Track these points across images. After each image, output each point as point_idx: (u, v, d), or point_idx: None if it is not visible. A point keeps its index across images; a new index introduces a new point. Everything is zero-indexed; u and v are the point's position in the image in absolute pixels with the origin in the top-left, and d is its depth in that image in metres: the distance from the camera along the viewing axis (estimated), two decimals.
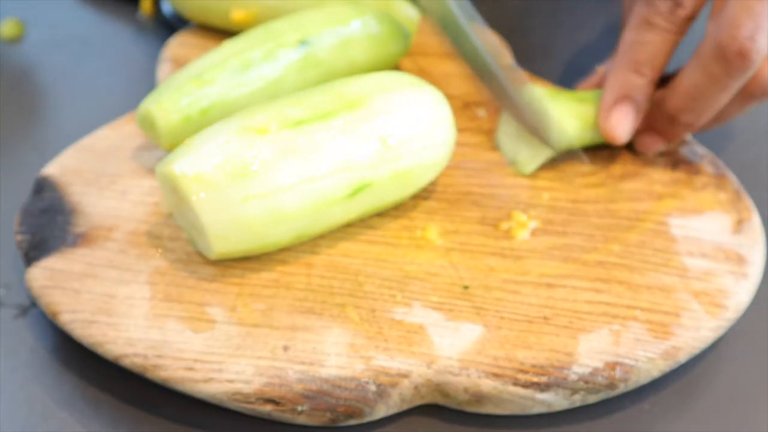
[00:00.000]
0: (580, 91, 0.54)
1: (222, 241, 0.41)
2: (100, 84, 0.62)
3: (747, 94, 0.49)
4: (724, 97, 0.49)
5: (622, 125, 0.51)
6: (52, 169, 0.49)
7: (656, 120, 0.52)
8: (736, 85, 0.48)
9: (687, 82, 0.49)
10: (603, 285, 0.44)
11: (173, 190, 0.42)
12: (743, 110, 0.51)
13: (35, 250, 0.44)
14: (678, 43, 0.51)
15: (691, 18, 0.50)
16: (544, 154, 0.51)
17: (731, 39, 0.46)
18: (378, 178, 0.44)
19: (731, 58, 0.46)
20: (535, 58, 0.62)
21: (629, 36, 0.51)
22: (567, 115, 0.51)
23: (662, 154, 0.53)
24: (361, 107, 0.44)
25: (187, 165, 0.41)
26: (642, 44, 0.50)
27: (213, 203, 0.41)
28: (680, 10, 0.49)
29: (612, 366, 0.40)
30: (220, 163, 0.41)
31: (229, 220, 0.41)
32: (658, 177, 0.51)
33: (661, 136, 0.52)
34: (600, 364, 0.40)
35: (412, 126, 0.45)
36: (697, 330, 0.42)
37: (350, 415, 0.38)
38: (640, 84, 0.51)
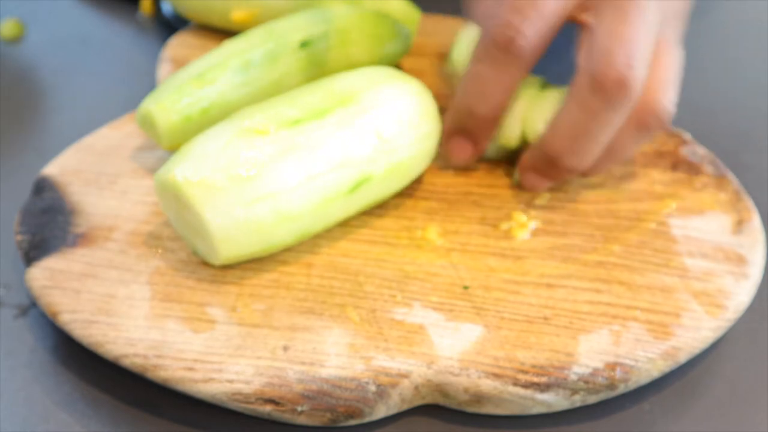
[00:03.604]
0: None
1: (228, 245, 0.41)
2: (100, 84, 0.62)
3: (641, 126, 0.46)
4: (606, 134, 0.46)
5: (457, 156, 0.50)
6: (52, 169, 0.49)
7: (538, 161, 0.48)
8: (617, 119, 0.45)
9: (565, 122, 0.46)
10: (603, 285, 0.44)
11: (175, 197, 0.41)
12: (639, 144, 0.48)
13: (35, 250, 0.44)
14: (521, 81, 0.48)
15: (535, 55, 0.46)
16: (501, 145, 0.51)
17: (607, 68, 0.43)
18: (376, 171, 0.45)
19: (610, 88, 0.43)
20: None
21: (470, 69, 0.47)
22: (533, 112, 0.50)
23: (662, 155, 0.53)
24: (354, 103, 0.45)
25: (189, 171, 0.41)
26: (483, 78, 0.47)
27: (218, 208, 0.40)
28: (522, 39, 0.45)
29: (612, 366, 0.40)
30: (223, 166, 0.41)
31: (236, 223, 0.41)
32: (659, 177, 0.51)
33: (546, 177, 0.49)
34: (600, 365, 0.40)
35: (403, 118, 0.46)
36: (697, 330, 0.42)
37: (350, 416, 0.38)
38: (474, 123, 0.49)
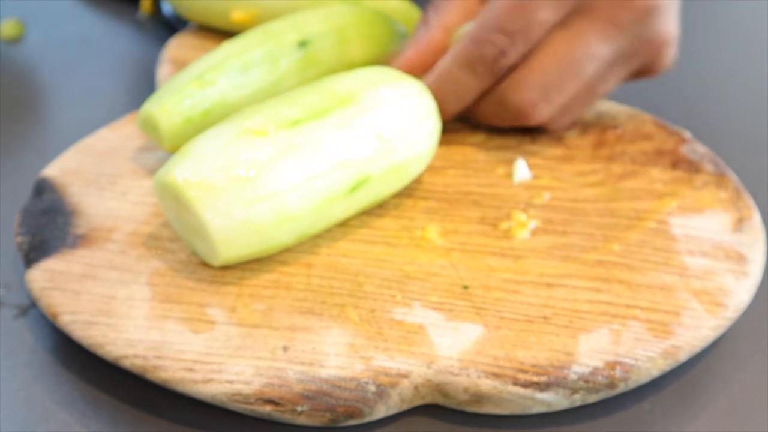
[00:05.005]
0: None
1: (228, 246, 0.41)
2: (100, 84, 0.63)
3: (499, 112, 0.51)
4: (465, 93, 0.50)
5: None
6: (52, 170, 0.49)
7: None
8: (477, 84, 0.50)
9: (443, 64, 0.50)
10: (603, 284, 0.44)
11: (175, 198, 0.41)
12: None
13: (35, 251, 0.44)
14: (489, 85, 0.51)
15: (510, 68, 0.50)
16: None
17: (483, 45, 0.48)
18: (376, 172, 0.45)
19: (477, 62, 0.49)
20: None
21: (447, 67, 0.50)
22: None
23: (662, 154, 0.53)
24: (354, 103, 0.45)
25: (189, 171, 0.41)
26: (457, 81, 0.50)
27: (218, 208, 0.40)
28: (504, 60, 0.49)
29: (612, 365, 0.40)
30: (222, 167, 0.41)
31: (236, 224, 0.41)
32: (659, 176, 0.51)
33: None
34: (600, 364, 0.40)
35: (403, 118, 0.46)
36: (697, 329, 0.42)
37: (350, 416, 0.38)
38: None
